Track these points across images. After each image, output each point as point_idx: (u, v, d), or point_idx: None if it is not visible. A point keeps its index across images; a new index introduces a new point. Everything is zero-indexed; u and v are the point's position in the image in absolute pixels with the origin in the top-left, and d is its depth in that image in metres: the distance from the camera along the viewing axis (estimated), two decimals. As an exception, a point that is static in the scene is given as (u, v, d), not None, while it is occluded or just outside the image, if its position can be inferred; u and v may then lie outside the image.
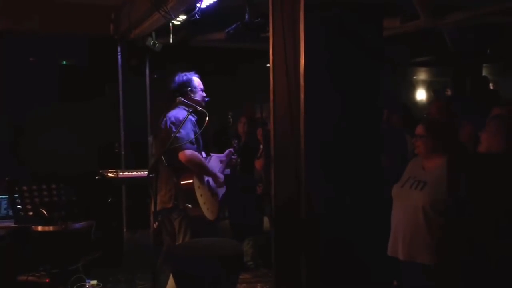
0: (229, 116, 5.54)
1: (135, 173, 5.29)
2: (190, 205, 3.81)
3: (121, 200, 6.96)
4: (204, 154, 4.09)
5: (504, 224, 2.92)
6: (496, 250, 2.95)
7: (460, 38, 6.52)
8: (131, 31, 6.04)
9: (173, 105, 4.06)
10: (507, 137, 3.08)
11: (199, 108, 3.96)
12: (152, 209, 3.63)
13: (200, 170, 3.92)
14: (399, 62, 8.89)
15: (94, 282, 4.85)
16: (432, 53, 9.08)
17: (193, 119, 3.96)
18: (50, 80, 7.36)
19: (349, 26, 2.46)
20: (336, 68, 2.42)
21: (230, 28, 5.07)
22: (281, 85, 2.49)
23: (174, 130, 3.83)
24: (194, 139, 3.84)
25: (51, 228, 4.55)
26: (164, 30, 5.62)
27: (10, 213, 4.81)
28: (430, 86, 11.41)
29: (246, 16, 4.80)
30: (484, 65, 8.13)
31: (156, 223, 3.66)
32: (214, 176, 4.11)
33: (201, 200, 3.85)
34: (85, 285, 4.78)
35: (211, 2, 4.72)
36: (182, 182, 3.84)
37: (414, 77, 11.42)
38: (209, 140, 4.85)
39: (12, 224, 4.69)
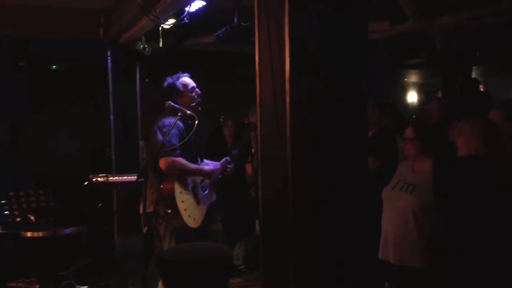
0: (221, 120, 5.51)
1: (125, 177, 5.26)
2: (169, 211, 3.76)
3: (112, 205, 6.92)
4: (198, 160, 4.05)
5: (491, 225, 2.93)
6: (486, 250, 2.96)
7: (449, 40, 6.55)
8: (121, 35, 6.02)
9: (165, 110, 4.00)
10: (484, 137, 3.08)
11: (188, 112, 3.86)
12: (141, 213, 3.62)
13: (182, 174, 3.85)
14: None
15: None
16: (422, 55, 9.12)
17: (181, 124, 3.87)
18: (39, 84, 7.37)
19: (334, 25, 2.44)
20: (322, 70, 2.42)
21: (219, 31, 5.06)
22: (267, 88, 2.48)
23: (159, 134, 3.79)
24: (179, 146, 3.75)
25: (40, 234, 4.53)
26: (154, 34, 5.61)
27: (-2, 219, 4.78)
28: (421, 88, 11.43)
29: (235, 20, 4.80)
30: (473, 67, 8.17)
31: (146, 227, 3.63)
32: (200, 172, 3.99)
33: (181, 206, 3.78)
34: (76, 291, 4.77)
35: (200, 6, 4.72)
36: (162, 187, 3.80)
37: (405, 79, 11.44)
38: (203, 144, 4.84)
39: (0, 230, 4.64)
